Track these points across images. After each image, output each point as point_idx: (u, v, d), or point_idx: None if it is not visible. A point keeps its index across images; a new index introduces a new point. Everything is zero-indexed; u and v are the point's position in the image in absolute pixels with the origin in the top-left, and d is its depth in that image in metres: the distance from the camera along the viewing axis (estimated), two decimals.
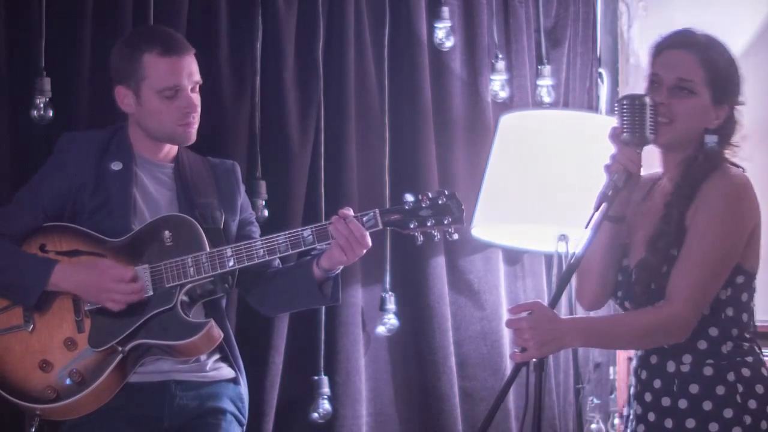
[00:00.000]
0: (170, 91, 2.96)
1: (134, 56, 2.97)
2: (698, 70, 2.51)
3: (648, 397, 2.55)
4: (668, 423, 2.49)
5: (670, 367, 2.51)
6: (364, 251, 2.88)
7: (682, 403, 2.48)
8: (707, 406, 2.45)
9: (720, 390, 2.46)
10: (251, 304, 3.18)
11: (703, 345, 2.49)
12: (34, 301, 2.86)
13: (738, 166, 2.55)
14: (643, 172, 2.66)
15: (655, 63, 2.56)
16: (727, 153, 2.56)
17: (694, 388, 2.47)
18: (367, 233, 2.86)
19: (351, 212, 2.88)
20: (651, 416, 2.53)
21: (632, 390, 2.62)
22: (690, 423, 2.46)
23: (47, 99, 3.37)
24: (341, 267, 2.95)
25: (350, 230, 2.84)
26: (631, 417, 2.61)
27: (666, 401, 2.50)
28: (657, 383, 2.53)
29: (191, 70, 3.01)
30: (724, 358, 2.48)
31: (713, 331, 2.49)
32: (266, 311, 3.19)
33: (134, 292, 2.84)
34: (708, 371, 2.47)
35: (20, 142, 3.37)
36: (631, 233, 2.61)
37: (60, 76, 3.40)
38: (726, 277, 2.47)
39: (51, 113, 3.37)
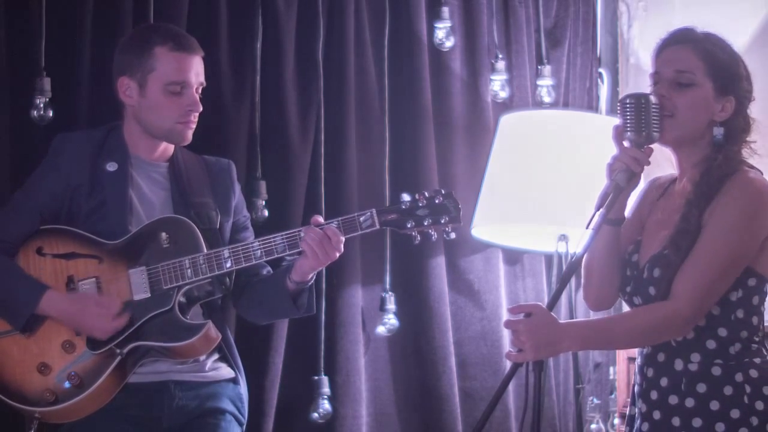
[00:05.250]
0: (176, 86, 2.96)
1: (145, 48, 2.97)
2: (697, 61, 2.49)
3: (654, 395, 2.52)
4: (675, 421, 2.47)
5: (678, 365, 2.49)
6: (338, 255, 2.87)
7: (689, 402, 2.46)
8: (714, 405, 2.44)
9: (728, 390, 2.44)
10: (239, 313, 3.19)
11: (712, 344, 2.47)
12: (21, 324, 2.86)
13: (755, 168, 2.52)
14: (658, 173, 2.66)
15: (656, 62, 2.55)
16: (745, 152, 2.53)
17: (701, 387, 2.45)
18: (343, 238, 2.85)
19: (321, 219, 2.89)
20: (656, 414, 2.51)
21: (636, 388, 2.60)
22: (696, 422, 2.44)
23: (47, 99, 3.37)
24: (314, 276, 2.94)
25: (327, 236, 2.84)
26: (636, 415, 2.59)
27: (673, 399, 2.48)
28: (664, 381, 2.51)
29: (198, 70, 3.01)
30: (732, 359, 2.46)
31: (722, 332, 2.47)
32: (252, 320, 3.21)
33: (116, 330, 2.85)
34: (716, 371, 2.45)
35: (20, 142, 3.37)
36: (646, 230, 2.59)
37: (60, 76, 3.41)
38: (734, 278, 2.45)
39: (51, 113, 3.37)
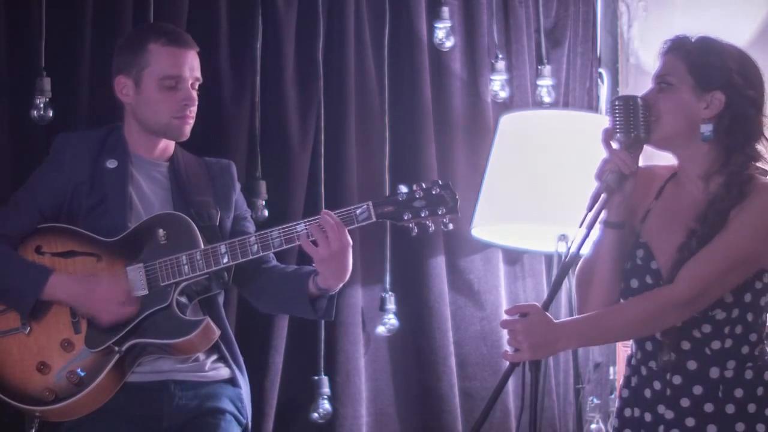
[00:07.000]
0: (171, 80, 2.97)
1: (139, 45, 3.00)
2: (677, 63, 2.51)
3: (685, 402, 2.50)
4: (711, 429, 2.47)
5: (714, 373, 2.49)
6: (342, 244, 2.82)
7: (730, 408, 2.47)
8: (751, 408, 2.46)
9: (760, 391, 2.47)
10: (246, 297, 3.18)
11: (746, 350, 2.49)
12: (29, 309, 2.87)
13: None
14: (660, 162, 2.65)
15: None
16: (760, 163, 2.51)
17: (739, 393, 2.47)
18: (346, 229, 2.82)
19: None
20: (690, 421, 2.49)
21: (648, 393, 2.57)
22: (740, 427, 2.46)
23: (47, 99, 3.37)
24: (339, 287, 2.93)
25: (325, 220, 2.82)
26: (650, 421, 2.56)
27: (709, 407, 2.48)
28: (698, 389, 2.50)
29: (193, 64, 3.02)
30: (759, 360, 2.49)
31: (753, 337, 2.49)
32: (261, 307, 3.19)
33: (124, 315, 2.85)
34: (749, 374, 2.48)
35: (20, 142, 3.38)
36: (654, 236, 2.57)
37: (60, 76, 3.41)
38: (743, 277, 2.45)
39: (51, 113, 3.38)
